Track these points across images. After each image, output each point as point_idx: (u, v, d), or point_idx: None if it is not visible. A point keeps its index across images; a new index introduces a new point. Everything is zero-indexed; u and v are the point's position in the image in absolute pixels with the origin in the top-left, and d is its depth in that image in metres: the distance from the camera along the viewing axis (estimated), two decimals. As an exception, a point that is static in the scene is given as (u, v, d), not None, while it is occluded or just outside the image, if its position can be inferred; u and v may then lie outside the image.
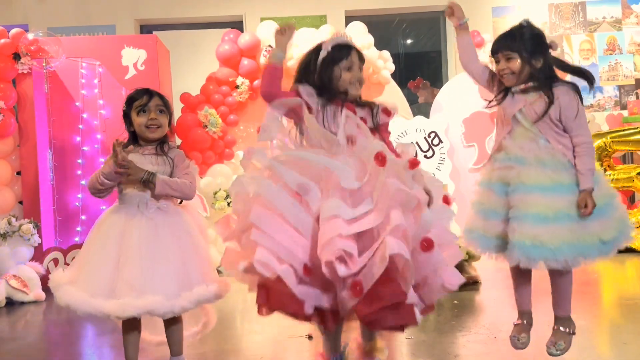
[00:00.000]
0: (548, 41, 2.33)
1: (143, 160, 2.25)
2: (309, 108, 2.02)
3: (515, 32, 2.31)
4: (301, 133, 2.07)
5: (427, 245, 1.80)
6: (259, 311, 1.85)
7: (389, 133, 2.16)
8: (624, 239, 2.24)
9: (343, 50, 2.08)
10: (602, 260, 2.22)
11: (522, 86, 2.29)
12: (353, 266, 1.73)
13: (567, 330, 2.30)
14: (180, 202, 2.36)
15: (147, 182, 2.19)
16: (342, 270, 1.72)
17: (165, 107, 2.31)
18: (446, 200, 2.08)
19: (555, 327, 2.32)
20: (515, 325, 2.41)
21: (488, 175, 2.35)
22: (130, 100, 2.30)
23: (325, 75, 2.06)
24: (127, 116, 2.31)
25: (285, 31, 2.10)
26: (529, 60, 2.26)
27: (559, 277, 2.28)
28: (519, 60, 2.26)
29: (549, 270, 2.26)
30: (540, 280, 2.33)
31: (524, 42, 2.27)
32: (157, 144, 2.30)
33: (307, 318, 1.84)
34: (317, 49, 2.12)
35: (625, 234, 2.24)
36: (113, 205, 2.32)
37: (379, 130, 2.12)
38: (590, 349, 2.48)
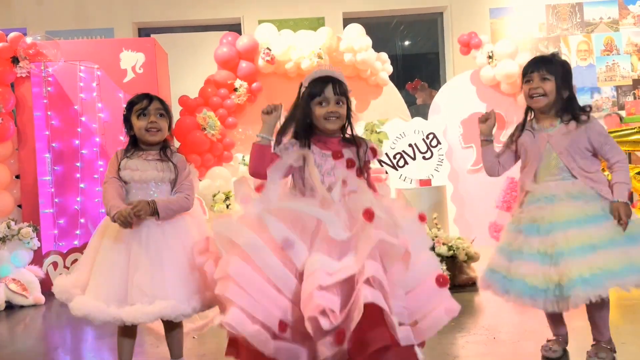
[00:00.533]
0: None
1: (147, 166, 2.28)
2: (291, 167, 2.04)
3: (550, 58, 2.36)
4: (295, 182, 2.09)
5: (442, 281, 1.88)
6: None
7: (370, 169, 2.17)
8: None
9: (317, 86, 2.08)
10: None
11: (544, 122, 2.32)
12: (335, 319, 1.72)
13: (609, 347, 2.31)
14: None
15: (153, 213, 2.21)
16: (325, 324, 1.70)
17: (165, 111, 2.34)
18: (422, 218, 2.04)
19: (595, 342, 2.32)
20: (548, 340, 2.42)
21: (517, 218, 2.35)
22: (130, 105, 2.33)
23: (303, 112, 2.09)
24: (127, 120, 2.33)
25: (271, 111, 2.09)
26: (559, 87, 2.30)
27: (598, 309, 2.26)
28: (553, 83, 2.29)
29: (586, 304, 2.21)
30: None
31: (558, 67, 2.32)
32: (159, 149, 2.33)
33: None
34: (301, 85, 2.15)
35: None
36: None
37: (365, 168, 2.12)
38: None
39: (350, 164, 2.05)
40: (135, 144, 2.34)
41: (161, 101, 2.35)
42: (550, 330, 2.46)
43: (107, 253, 2.20)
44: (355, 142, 2.11)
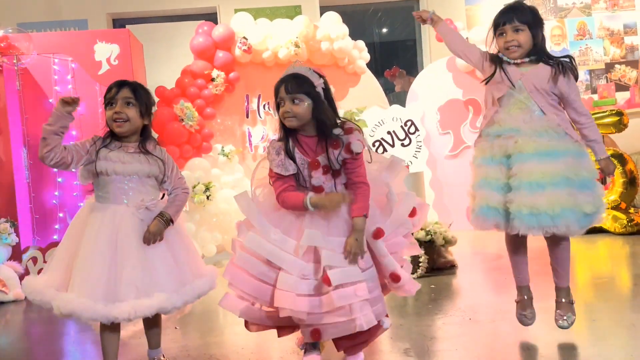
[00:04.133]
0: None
1: (130, 159, 2.20)
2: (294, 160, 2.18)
3: (518, 6, 2.35)
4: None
5: (394, 278, 2.18)
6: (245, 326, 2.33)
7: (356, 160, 2.14)
8: (599, 215, 2.29)
9: (276, 87, 2.16)
10: (579, 233, 2.26)
11: (518, 61, 2.32)
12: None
13: (570, 300, 2.38)
14: (162, 197, 2.34)
15: (168, 224, 2.21)
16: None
17: (136, 99, 2.21)
18: (412, 214, 2.25)
19: (559, 300, 2.39)
20: (517, 302, 2.46)
21: (487, 152, 2.33)
22: (105, 95, 2.25)
23: (277, 114, 2.20)
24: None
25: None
26: (534, 33, 2.30)
27: (557, 247, 2.33)
28: (527, 32, 2.29)
29: (547, 241, 2.33)
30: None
31: (529, 15, 2.32)
32: (138, 143, 2.24)
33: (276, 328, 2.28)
34: None
35: (600, 212, 2.29)
36: (91, 202, 2.25)
37: (344, 166, 2.14)
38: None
39: (325, 170, 2.15)
40: (114, 135, 2.24)
41: (133, 89, 2.22)
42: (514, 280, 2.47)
43: (89, 250, 2.11)
44: (330, 142, 2.12)
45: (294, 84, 2.10)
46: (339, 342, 2.17)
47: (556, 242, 2.33)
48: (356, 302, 2.03)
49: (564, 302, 2.38)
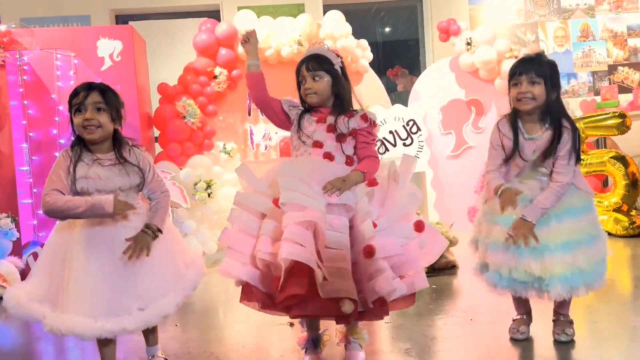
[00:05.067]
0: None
1: (109, 173, 2.10)
2: (289, 118, 2.29)
3: (537, 59, 2.30)
4: (291, 139, 2.31)
5: (369, 252, 1.95)
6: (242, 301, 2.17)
7: (367, 137, 2.22)
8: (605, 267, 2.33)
9: (298, 66, 2.27)
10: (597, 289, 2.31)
11: (530, 126, 2.29)
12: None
13: (569, 319, 2.40)
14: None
15: (157, 235, 2.12)
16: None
17: (107, 103, 2.11)
18: (418, 227, 2.14)
19: (557, 319, 2.41)
20: (514, 320, 2.48)
21: (495, 211, 2.32)
22: (70, 98, 2.12)
23: (299, 92, 2.31)
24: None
25: (248, 39, 2.29)
26: (549, 89, 2.26)
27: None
28: (542, 86, 2.25)
29: None
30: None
31: (547, 69, 2.27)
32: (114, 151, 2.14)
33: (274, 307, 2.05)
34: None
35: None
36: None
37: (355, 136, 2.21)
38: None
39: (330, 128, 2.21)
40: (83, 144, 2.12)
41: (103, 92, 2.12)
42: (514, 308, 2.52)
43: (82, 263, 2.03)
44: (344, 112, 2.23)
45: (315, 63, 2.24)
46: (282, 293, 1.94)
47: None
48: (286, 241, 1.89)
49: (563, 320, 2.41)
